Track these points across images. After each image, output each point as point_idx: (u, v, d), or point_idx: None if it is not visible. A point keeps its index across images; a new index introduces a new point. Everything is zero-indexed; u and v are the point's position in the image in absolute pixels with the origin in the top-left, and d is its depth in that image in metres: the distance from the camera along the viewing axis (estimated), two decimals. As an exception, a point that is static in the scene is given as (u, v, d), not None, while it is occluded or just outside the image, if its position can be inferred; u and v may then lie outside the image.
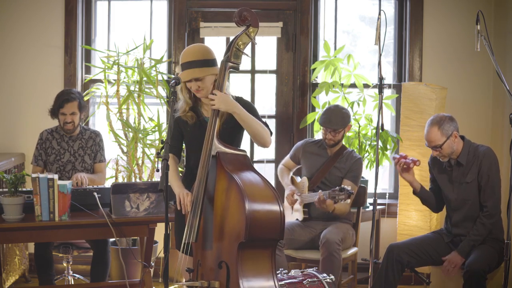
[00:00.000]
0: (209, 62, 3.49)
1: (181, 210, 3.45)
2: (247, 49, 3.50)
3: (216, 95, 3.39)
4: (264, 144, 3.50)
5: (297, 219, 4.73)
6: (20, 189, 3.95)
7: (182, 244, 3.39)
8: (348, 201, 4.43)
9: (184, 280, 3.61)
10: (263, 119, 3.57)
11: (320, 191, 4.44)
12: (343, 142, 4.86)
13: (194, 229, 3.34)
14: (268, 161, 5.67)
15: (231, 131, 3.55)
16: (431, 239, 4.39)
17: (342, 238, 4.47)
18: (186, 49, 3.53)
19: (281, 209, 3.26)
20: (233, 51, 3.43)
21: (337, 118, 4.64)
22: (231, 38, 5.54)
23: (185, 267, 3.42)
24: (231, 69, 3.46)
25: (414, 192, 4.43)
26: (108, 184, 5.11)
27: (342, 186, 4.36)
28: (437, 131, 4.20)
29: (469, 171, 4.24)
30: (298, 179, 4.87)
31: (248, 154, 3.51)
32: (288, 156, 4.93)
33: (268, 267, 3.28)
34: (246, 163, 3.41)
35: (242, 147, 3.57)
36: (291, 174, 4.90)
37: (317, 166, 4.73)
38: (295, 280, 3.75)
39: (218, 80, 3.44)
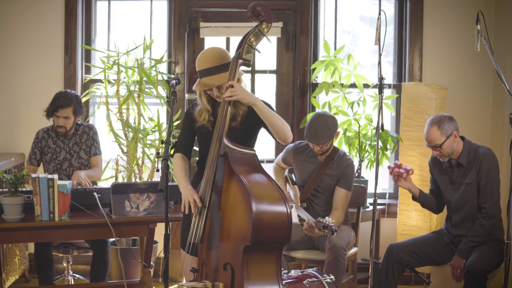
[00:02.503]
0: (228, 66, 3.36)
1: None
2: (260, 46, 3.36)
3: (234, 86, 3.25)
4: (285, 139, 3.39)
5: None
6: (20, 189, 3.95)
7: (187, 244, 3.34)
8: (334, 234, 4.11)
9: (185, 280, 3.59)
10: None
11: (308, 218, 4.26)
12: (335, 144, 4.79)
13: (199, 229, 3.28)
14: (268, 161, 5.67)
15: (246, 132, 3.46)
16: (431, 239, 4.39)
17: (348, 242, 4.44)
18: (202, 54, 3.42)
19: (288, 211, 3.17)
20: (245, 47, 3.30)
21: (323, 131, 4.44)
22: (231, 38, 5.64)
23: (190, 266, 3.37)
24: (242, 66, 3.33)
25: (413, 198, 4.41)
26: (108, 184, 5.12)
27: (327, 222, 4.07)
28: (436, 130, 4.19)
29: (469, 172, 4.24)
30: (289, 187, 4.80)
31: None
32: (280, 158, 4.84)
33: (274, 271, 3.19)
34: (255, 162, 3.32)
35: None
36: (286, 172, 4.86)
37: (308, 173, 4.62)
38: (295, 280, 3.75)
39: (229, 77, 3.30)
